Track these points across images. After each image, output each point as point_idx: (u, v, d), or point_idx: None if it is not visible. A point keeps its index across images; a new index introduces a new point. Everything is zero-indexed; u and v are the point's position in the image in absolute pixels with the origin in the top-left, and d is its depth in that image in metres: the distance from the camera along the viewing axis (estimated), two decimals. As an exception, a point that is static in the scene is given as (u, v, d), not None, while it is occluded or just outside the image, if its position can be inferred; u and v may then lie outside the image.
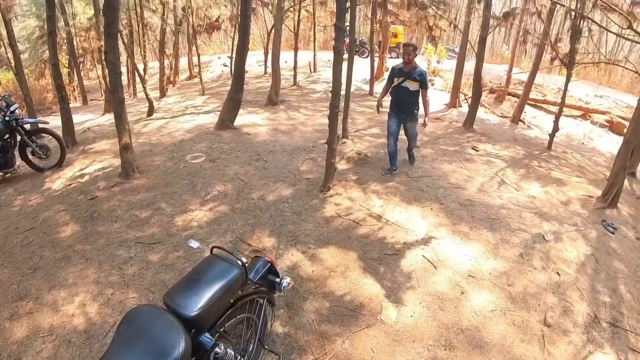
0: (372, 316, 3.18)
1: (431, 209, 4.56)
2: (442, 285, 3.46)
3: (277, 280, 2.53)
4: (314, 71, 12.91)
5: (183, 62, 16.78)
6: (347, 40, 7.28)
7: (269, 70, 11.01)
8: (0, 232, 4.50)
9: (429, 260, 3.72)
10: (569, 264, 3.80)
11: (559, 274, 3.64)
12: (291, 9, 11.96)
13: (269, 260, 2.58)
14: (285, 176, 5.40)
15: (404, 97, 5.25)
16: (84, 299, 3.48)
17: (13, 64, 7.92)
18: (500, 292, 3.39)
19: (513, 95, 11.63)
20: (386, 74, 9.22)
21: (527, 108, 10.08)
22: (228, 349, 2.14)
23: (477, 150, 6.72)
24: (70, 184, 5.39)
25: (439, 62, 13.74)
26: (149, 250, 3.96)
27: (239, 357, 2.28)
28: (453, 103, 9.79)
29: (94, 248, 4.02)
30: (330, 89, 4.68)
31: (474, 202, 4.79)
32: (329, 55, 14.79)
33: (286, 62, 11.95)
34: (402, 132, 5.51)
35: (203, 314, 1.95)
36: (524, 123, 9.45)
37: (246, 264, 2.31)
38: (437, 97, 10.32)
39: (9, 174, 5.94)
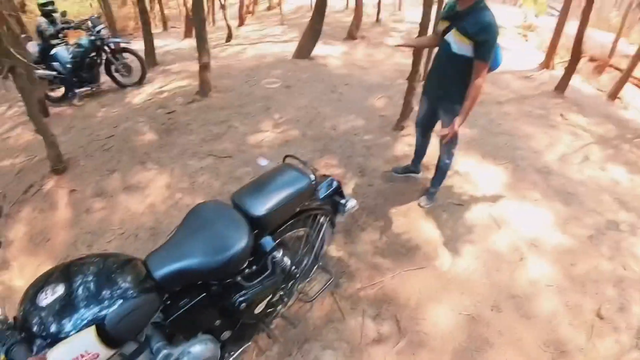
0: (426, 260, 3.05)
1: (505, 168, 4.16)
2: (502, 247, 3.20)
3: (342, 201, 2.42)
4: (399, 10, 12.14)
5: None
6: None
7: (350, 5, 10.51)
8: (85, 138, 4.80)
9: (493, 218, 3.44)
10: (639, 262, 3.31)
11: (625, 268, 3.17)
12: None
13: (337, 180, 2.45)
14: (359, 110, 5.18)
15: (444, 64, 2.91)
16: (154, 201, 3.65)
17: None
18: (561, 268, 3.07)
19: (616, 69, 9.96)
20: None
21: (628, 86, 8.70)
22: (285, 257, 2.11)
23: (566, 119, 5.93)
24: (149, 99, 5.59)
25: (537, 16, 12.00)
26: (219, 163, 4.03)
27: (293, 268, 2.26)
28: (547, 64, 8.68)
29: (168, 156, 4.16)
30: (415, 31, 4.27)
31: (551, 170, 4.28)
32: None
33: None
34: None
35: (269, 216, 1.91)
36: (621, 101, 8.22)
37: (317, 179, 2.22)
38: (529, 55, 9.24)
39: (94, 89, 6.37)
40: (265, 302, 2.10)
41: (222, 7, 9.07)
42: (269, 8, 15.15)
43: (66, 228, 3.53)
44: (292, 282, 2.37)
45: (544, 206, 3.66)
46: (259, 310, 2.10)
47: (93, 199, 3.77)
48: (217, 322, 1.96)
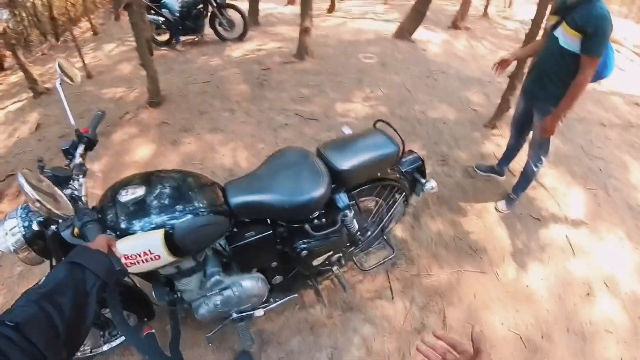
0: (489, 266, 2.87)
1: (594, 194, 3.71)
2: (572, 275, 2.90)
3: (422, 180, 2.34)
4: (509, 6, 11.41)
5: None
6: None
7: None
8: (182, 79, 5.03)
9: (570, 244, 3.12)
10: None
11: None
12: None
13: (421, 158, 2.36)
14: (452, 100, 4.93)
15: (548, 60, 2.66)
16: (236, 145, 3.77)
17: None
18: (627, 318, 2.70)
19: None
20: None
21: None
22: (354, 219, 2.09)
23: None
24: (247, 55, 5.73)
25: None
26: (305, 124, 4.05)
27: (358, 233, 2.24)
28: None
29: (257, 109, 4.25)
30: (524, 30, 3.88)
31: None
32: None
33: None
34: None
35: (349, 172, 1.90)
36: None
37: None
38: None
39: (197, 38, 6.69)
40: (324, 256, 2.10)
41: (329, -22, 9.02)
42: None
43: (151, 154, 3.75)
44: (353, 247, 2.37)
45: (626, 247, 3.24)
46: (317, 263, 2.11)
47: (181, 133, 3.96)
48: (274, 264, 2.02)
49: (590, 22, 2.27)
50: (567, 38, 2.42)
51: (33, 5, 10.16)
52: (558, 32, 2.50)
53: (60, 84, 1.74)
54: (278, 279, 2.12)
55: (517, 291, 2.74)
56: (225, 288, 1.87)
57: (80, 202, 1.45)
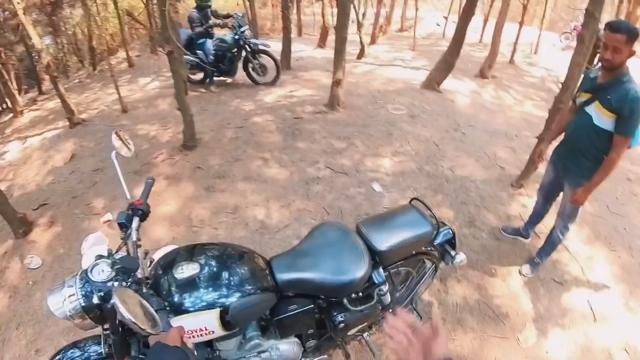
0: (511, 330, 2.87)
1: (618, 256, 3.66)
2: (593, 342, 2.87)
3: (452, 253, 2.36)
4: (535, 53, 11.51)
5: (396, 13, 16.61)
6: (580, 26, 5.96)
7: (484, 40, 10.16)
8: (216, 122, 5.20)
9: (591, 309, 3.10)
10: None
11: None
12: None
13: (452, 230, 2.39)
14: (479, 156, 4.95)
15: (581, 135, 2.70)
16: (269, 196, 3.85)
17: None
18: None
19: None
20: None
21: None
22: (388, 292, 2.16)
23: None
24: (279, 101, 5.89)
25: None
26: (335, 178, 4.12)
27: (391, 304, 2.28)
28: None
29: (289, 159, 4.35)
30: (550, 78, 3.90)
31: None
32: (554, 38, 13.03)
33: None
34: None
35: (388, 252, 1.99)
36: None
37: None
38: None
39: (230, 81, 6.98)
40: (359, 327, 2.17)
41: (359, 24, 9.25)
42: (400, 30, 15.21)
43: (184, 198, 3.84)
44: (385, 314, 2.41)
45: None
46: (351, 333, 2.18)
47: (214, 179, 4.08)
48: (310, 331, 2.08)
49: (627, 106, 2.36)
50: (602, 117, 2.50)
51: (74, 34, 10.67)
52: (591, 110, 2.58)
53: (115, 156, 1.80)
54: (312, 342, 2.17)
55: (537, 357, 2.73)
56: (263, 351, 1.91)
57: (143, 286, 1.49)
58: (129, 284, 1.42)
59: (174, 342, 1.09)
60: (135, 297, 1.28)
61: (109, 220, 3.62)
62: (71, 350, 1.74)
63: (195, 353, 1.81)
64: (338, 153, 4.51)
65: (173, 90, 4.64)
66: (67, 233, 3.61)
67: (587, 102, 2.61)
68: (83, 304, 1.41)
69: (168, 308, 1.51)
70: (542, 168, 3.43)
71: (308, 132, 4.88)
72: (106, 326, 1.54)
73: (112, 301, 1.16)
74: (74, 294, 1.42)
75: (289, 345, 1.99)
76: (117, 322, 1.47)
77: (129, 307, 1.14)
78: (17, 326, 2.81)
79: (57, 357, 1.73)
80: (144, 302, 1.29)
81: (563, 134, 2.99)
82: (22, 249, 3.48)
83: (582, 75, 2.87)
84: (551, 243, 3.20)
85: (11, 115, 7.66)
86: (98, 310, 1.45)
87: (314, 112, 5.40)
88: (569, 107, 3.04)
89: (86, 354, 1.72)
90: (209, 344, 1.85)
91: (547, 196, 3.26)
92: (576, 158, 2.75)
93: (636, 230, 4.05)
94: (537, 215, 3.44)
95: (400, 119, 5.53)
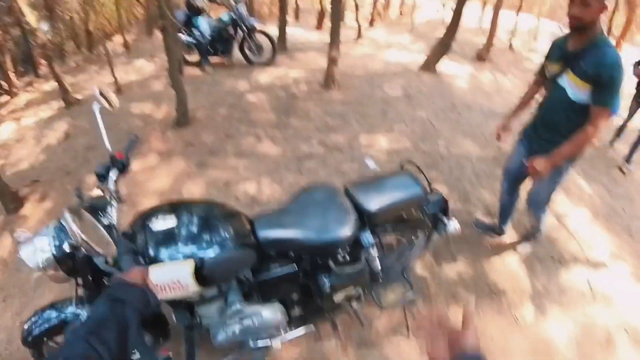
0: (508, 307, 2.81)
1: (618, 236, 3.64)
2: (591, 321, 2.82)
3: (445, 220, 2.30)
4: (535, 40, 11.40)
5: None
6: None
7: (483, 26, 10.05)
8: (210, 101, 5.17)
9: (590, 288, 3.05)
10: None
11: None
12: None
13: (445, 198, 2.35)
14: (475, 135, 4.91)
15: (557, 113, 2.37)
16: (261, 172, 3.82)
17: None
18: None
19: None
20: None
21: None
22: (377, 257, 2.11)
23: None
24: (274, 81, 5.86)
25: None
26: (328, 154, 4.10)
27: (381, 273, 2.23)
28: None
29: (282, 136, 4.32)
30: None
31: None
32: (554, 26, 12.87)
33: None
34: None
35: (377, 214, 1.94)
36: None
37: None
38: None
39: (225, 60, 6.87)
40: (345, 292, 2.12)
41: (357, 7, 9.16)
42: (400, 14, 15.07)
43: (176, 174, 3.82)
44: (374, 283, 2.37)
45: None
46: (338, 299, 2.12)
47: (206, 155, 4.06)
48: (294, 297, 2.05)
49: (604, 71, 2.03)
50: (576, 89, 2.18)
51: (71, 19, 10.56)
52: (564, 82, 2.25)
53: (99, 110, 1.80)
54: (297, 310, 2.14)
55: (535, 335, 2.68)
56: (245, 317, 1.88)
57: (114, 230, 1.49)
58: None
59: (134, 280, 1.08)
60: (90, 221, 1.29)
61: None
62: (48, 311, 1.76)
63: (175, 318, 1.84)
64: (332, 131, 4.48)
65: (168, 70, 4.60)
66: (57, 208, 3.59)
67: (559, 74, 2.29)
68: (54, 253, 1.42)
69: (143, 261, 1.49)
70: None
71: (302, 110, 4.85)
72: (80, 281, 1.56)
73: (64, 218, 1.15)
74: (46, 244, 1.42)
75: (271, 312, 1.95)
76: (88, 272, 1.48)
77: (82, 226, 1.14)
78: (4, 299, 2.82)
79: (33, 318, 1.75)
80: (100, 227, 1.29)
81: (536, 112, 2.59)
82: (12, 224, 3.47)
83: (552, 43, 2.48)
84: (533, 234, 3.11)
85: (7, 97, 7.64)
86: (70, 261, 1.46)
87: (308, 91, 5.37)
88: (534, 79, 2.70)
89: (63, 314, 1.75)
90: (190, 310, 1.84)
91: (513, 181, 2.93)
92: (555, 140, 2.34)
93: (636, 211, 4.03)
94: (505, 210, 3.14)
95: (396, 99, 5.48)
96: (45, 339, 1.79)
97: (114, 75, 5.96)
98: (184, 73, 5.99)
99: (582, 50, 2.14)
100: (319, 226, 1.82)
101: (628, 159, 4.69)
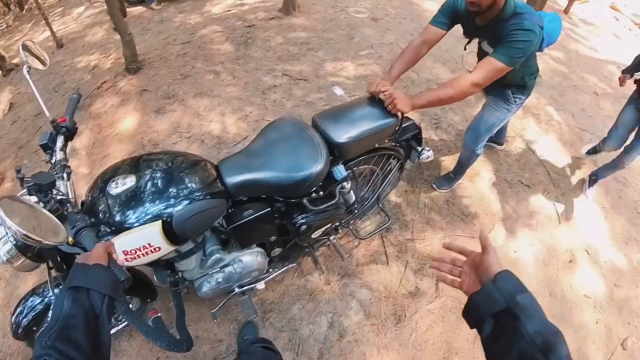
0: (479, 230, 2.74)
1: (584, 164, 3.60)
2: (557, 243, 2.94)
3: (418, 148, 2.22)
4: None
5: None
6: None
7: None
8: (161, 41, 4.74)
9: (556, 211, 3.14)
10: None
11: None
12: None
13: (417, 125, 2.23)
14: (446, 59, 4.69)
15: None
16: (224, 110, 3.58)
17: None
18: (604, 285, 2.79)
19: None
20: None
21: None
22: (351, 189, 2.09)
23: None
24: (229, 10, 5.43)
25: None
26: (294, 85, 3.87)
27: (355, 202, 2.26)
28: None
29: (243, 69, 4.04)
30: None
31: (628, 182, 3.62)
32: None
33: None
34: None
35: (348, 145, 1.81)
36: None
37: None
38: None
39: None
40: (323, 228, 2.09)
41: None
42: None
43: (135, 125, 3.53)
44: (350, 215, 2.40)
45: (609, 217, 3.24)
46: (316, 235, 2.11)
47: (164, 100, 3.74)
48: (272, 238, 2.01)
49: (514, 32, 1.79)
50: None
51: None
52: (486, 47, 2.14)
53: (27, 70, 1.59)
54: (277, 251, 2.12)
55: (506, 256, 2.77)
56: (226, 265, 1.87)
57: (69, 205, 1.30)
58: (48, 204, 1.22)
59: (96, 260, 0.96)
60: (29, 208, 1.09)
61: None
62: (31, 299, 1.72)
63: (156, 278, 1.80)
64: (296, 59, 4.20)
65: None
66: (19, 188, 3.26)
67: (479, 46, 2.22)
68: (14, 242, 1.28)
69: (108, 229, 1.35)
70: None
71: (262, 39, 4.51)
72: (51, 264, 1.43)
73: None
74: (4, 235, 1.29)
75: (252, 256, 1.94)
76: (56, 254, 1.36)
77: (20, 218, 0.97)
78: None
79: (19, 309, 1.70)
80: (45, 212, 1.11)
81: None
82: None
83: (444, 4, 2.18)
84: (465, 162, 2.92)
85: None
86: (33, 247, 1.32)
87: (267, 18, 4.98)
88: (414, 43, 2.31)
89: (46, 299, 1.71)
90: (170, 266, 1.78)
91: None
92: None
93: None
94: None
95: (362, 22, 5.16)
96: (35, 328, 1.73)
97: (50, 29, 5.36)
98: (127, 14, 5.46)
99: (493, 25, 1.92)
100: (288, 164, 1.68)
101: None
